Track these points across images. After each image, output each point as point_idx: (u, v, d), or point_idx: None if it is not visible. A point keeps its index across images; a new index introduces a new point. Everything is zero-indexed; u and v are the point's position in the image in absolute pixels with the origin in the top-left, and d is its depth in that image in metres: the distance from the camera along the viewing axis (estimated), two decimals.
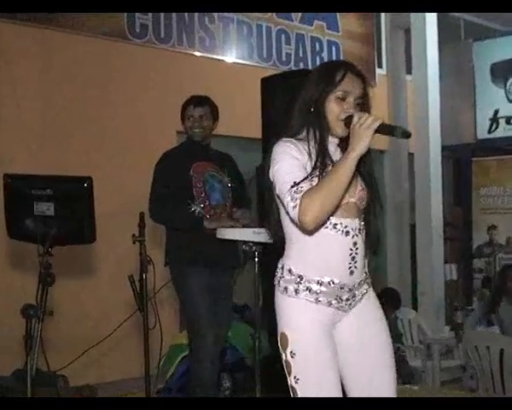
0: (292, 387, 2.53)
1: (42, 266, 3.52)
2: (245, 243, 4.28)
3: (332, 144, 2.55)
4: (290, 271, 2.53)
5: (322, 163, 2.47)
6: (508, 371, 5.10)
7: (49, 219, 3.56)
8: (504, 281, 6.45)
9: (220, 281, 4.50)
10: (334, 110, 2.51)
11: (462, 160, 9.87)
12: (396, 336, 6.53)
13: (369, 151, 2.47)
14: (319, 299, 2.51)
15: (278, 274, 2.57)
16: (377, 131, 2.38)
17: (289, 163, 2.46)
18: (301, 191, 2.38)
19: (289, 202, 2.40)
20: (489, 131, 9.43)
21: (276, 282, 2.58)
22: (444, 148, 8.40)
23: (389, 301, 6.42)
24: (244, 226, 4.44)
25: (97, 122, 6.53)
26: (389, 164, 9.36)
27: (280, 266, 2.57)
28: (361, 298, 2.62)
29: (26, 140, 6.10)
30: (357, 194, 2.54)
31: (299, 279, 2.51)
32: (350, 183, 2.44)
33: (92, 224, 3.64)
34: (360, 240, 2.54)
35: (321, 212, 2.37)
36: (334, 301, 2.53)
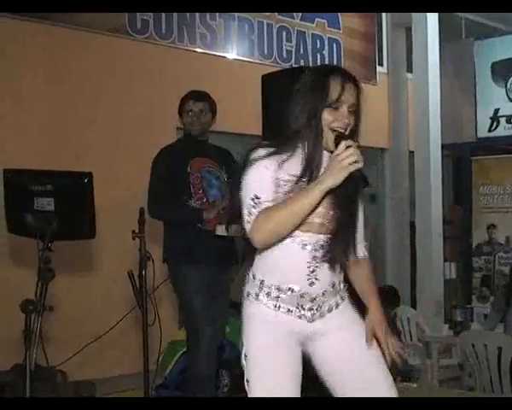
0: (247, 389, 2.54)
1: (41, 261, 3.53)
2: (244, 239, 4.28)
3: (325, 155, 2.48)
4: (254, 276, 2.55)
5: (310, 174, 2.43)
6: (505, 370, 5.10)
7: (49, 215, 3.57)
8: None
9: (218, 277, 4.51)
10: (327, 118, 2.46)
11: (463, 158, 9.86)
12: (395, 334, 6.52)
13: (359, 179, 2.38)
14: (278, 305, 2.51)
15: (246, 279, 2.60)
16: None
17: (259, 174, 2.43)
18: (259, 207, 2.39)
19: (245, 215, 2.43)
20: (489, 130, 9.42)
21: (243, 287, 2.61)
22: (444, 146, 8.40)
23: (388, 298, 6.42)
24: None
25: (98, 118, 6.53)
26: (389, 162, 9.36)
27: (247, 271, 2.60)
28: (330, 311, 2.59)
29: (27, 135, 6.11)
30: (326, 217, 2.51)
31: (260, 284, 2.52)
32: (319, 205, 2.41)
33: (92, 219, 3.65)
34: (322, 254, 2.51)
35: (271, 235, 2.39)
36: (294, 309, 2.52)
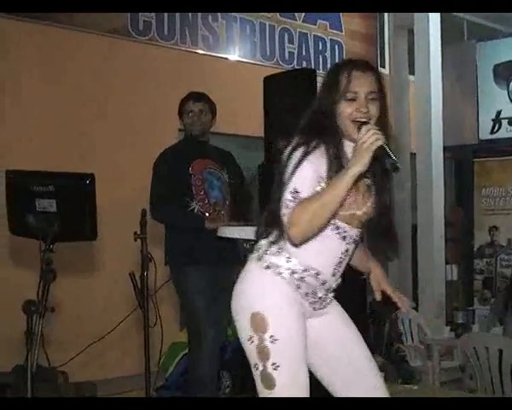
0: (267, 375, 2.41)
1: (43, 262, 3.53)
2: (246, 241, 4.30)
3: (349, 147, 2.50)
4: (280, 249, 2.47)
5: (338, 167, 2.43)
6: (506, 372, 5.10)
7: (50, 216, 3.56)
8: None
9: (220, 279, 4.51)
10: (346, 111, 2.47)
11: (464, 160, 9.86)
12: (396, 335, 6.53)
13: (386, 169, 2.43)
14: (300, 287, 2.48)
15: (262, 249, 2.51)
16: (375, 152, 2.35)
17: (304, 169, 2.41)
18: (297, 201, 2.36)
19: (282, 208, 2.40)
20: (491, 132, 9.42)
21: (254, 257, 2.52)
22: (446, 148, 8.40)
23: (389, 300, 6.41)
24: (245, 224, 4.45)
25: (100, 119, 6.54)
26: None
27: (267, 242, 2.51)
28: (329, 303, 2.63)
29: (28, 137, 6.12)
30: (364, 209, 2.54)
31: (286, 259, 2.46)
32: (361, 196, 2.48)
33: (94, 221, 3.64)
34: (351, 248, 2.56)
35: (309, 228, 2.36)
36: (310, 295, 2.51)
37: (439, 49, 8.20)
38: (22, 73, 6.16)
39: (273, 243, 2.49)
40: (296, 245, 2.43)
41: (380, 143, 2.34)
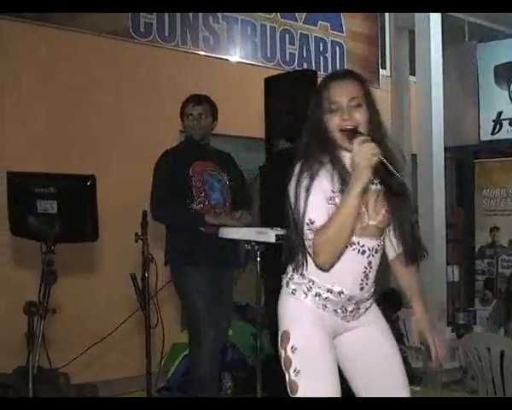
0: (291, 381, 2.51)
1: (44, 263, 3.53)
2: (247, 242, 4.29)
3: (347, 159, 2.51)
4: (302, 275, 2.55)
5: (342, 181, 2.46)
6: (508, 373, 5.10)
7: (52, 217, 3.57)
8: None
9: (221, 280, 4.51)
10: (333, 123, 2.50)
11: (465, 161, 9.84)
12: (398, 336, 6.53)
13: (391, 174, 2.42)
14: (326, 306, 2.54)
15: (288, 275, 2.60)
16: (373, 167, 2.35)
17: (313, 196, 2.44)
18: (314, 229, 2.41)
19: (306, 241, 2.46)
20: (492, 133, 9.40)
21: (284, 283, 2.62)
22: (447, 149, 8.38)
23: (391, 302, 6.42)
24: (246, 226, 4.45)
25: (101, 120, 6.54)
26: None
27: (291, 268, 2.59)
28: (364, 311, 2.66)
29: (30, 138, 6.12)
30: (379, 218, 2.56)
31: (310, 284, 2.54)
32: (371, 205, 2.51)
33: (95, 222, 3.65)
34: (376, 259, 2.59)
35: (333, 251, 2.41)
36: (339, 311, 2.57)
37: (440, 50, 8.19)
38: (23, 75, 6.16)
39: (295, 269, 2.58)
40: (327, 270, 2.49)
41: (375, 158, 2.34)
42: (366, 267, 2.55)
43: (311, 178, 2.45)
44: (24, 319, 3.47)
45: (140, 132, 6.74)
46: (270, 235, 4.00)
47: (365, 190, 2.43)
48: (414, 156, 8.55)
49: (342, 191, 2.44)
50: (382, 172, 2.42)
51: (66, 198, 3.62)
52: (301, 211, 2.45)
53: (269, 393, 4.63)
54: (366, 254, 2.54)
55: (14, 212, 3.72)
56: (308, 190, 2.45)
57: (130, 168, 6.48)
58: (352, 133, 2.44)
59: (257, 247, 4.26)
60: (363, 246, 2.53)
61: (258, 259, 4.31)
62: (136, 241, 4.36)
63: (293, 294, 2.56)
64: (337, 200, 2.44)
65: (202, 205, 4.47)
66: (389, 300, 6.38)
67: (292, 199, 2.49)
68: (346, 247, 2.48)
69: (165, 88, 6.86)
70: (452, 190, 10.22)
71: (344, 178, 2.46)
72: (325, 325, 2.54)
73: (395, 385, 2.66)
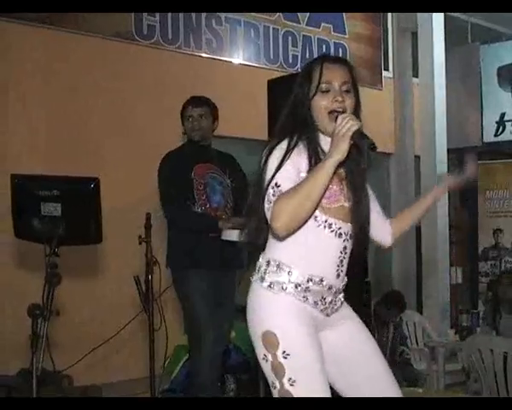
0: (285, 392, 2.39)
1: (48, 266, 3.55)
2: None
3: (327, 143, 2.47)
4: (279, 265, 2.44)
5: (315, 163, 2.42)
6: (511, 375, 5.10)
7: (55, 220, 3.59)
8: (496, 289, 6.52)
9: (222, 282, 4.51)
10: (322, 103, 2.48)
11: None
12: (401, 338, 6.54)
13: (358, 161, 2.46)
14: (307, 298, 2.44)
15: (261, 269, 2.47)
16: (351, 137, 2.34)
17: (283, 167, 2.40)
18: (278, 193, 2.34)
19: (265, 204, 2.39)
20: (495, 135, 9.41)
21: (257, 278, 2.49)
22: (450, 151, 8.40)
23: (394, 303, 6.42)
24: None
25: (104, 123, 6.55)
26: (395, 167, 9.35)
27: (264, 260, 2.48)
28: (340, 305, 2.59)
29: (34, 140, 6.13)
30: (351, 196, 2.53)
31: (288, 275, 2.42)
32: (346, 186, 2.48)
33: (99, 224, 3.67)
34: (349, 245, 2.52)
35: (292, 218, 2.31)
36: (319, 302, 2.47)
37: (443, 51, 8.21)
38: (25, 76, 6.17)
39: (268, 262, 2.47)
40: (280, 239, 2.40)
41: (355, 127, 2.33)
42: (341, 252, 2.48)
43: (285, 153, 2.41)
44: (28, 322, 3.48)
45: (143, 134, 6.75)
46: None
47: (342, 172, 2.44)
48: (417, 158, 8.57)
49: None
50: (358, 141, 2.38)
51: (70, 201, 3.64)
52: (269, 177, 2.39)
53: (271, 394, 4.63)
54: (342, 238, 2.48)
55: (17, 214, 3.74)
56: (280, 161, 2.40)
57: (134, 170, 6.49)
58: (338, 114, 2.42)
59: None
60: (340, 228, 2.47)
61: None
62: (140, 243, 4.38)
63: (271, 288, 2.43)
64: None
65: (204, 207, 4.48)
66: (393, 301, 6.38)
67: (262, 169, 2.44)
68: (324, 227, 2.43)
69: (167, 90, 6.87)
70: (455, 192, 10.22)
71: (317, 161, 2.42)
72: (308, 320, 2.44)
73: (386, 382, 2.59)
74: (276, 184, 2.36)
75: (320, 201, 2.37)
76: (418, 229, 8.54)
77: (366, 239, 2.61)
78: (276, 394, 2.44)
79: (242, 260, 4.65)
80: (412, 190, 9.17)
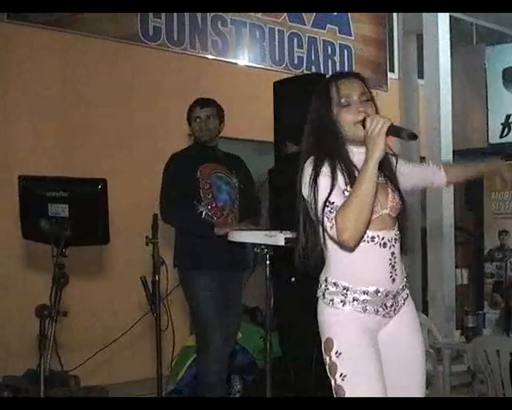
0: (338, 387, 2.51)
1: (56, 266, 3.56)
2: (256, 245, 4.30)
3: (358, 154, 2.56)
4: (335, 283, 2.55)
5: (351, 178, 2.50)
6: None
7: (63, 221, 3.59)
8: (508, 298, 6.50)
9: (229, 283, 4.51)
10: (347, 118, 2.55)
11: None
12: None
13: (387, 159, 2.56)
14: (366, 308, 2.54)
15: (322, 287, 2.59)
16: (387, 134, 2.42)
17: (322, 182, 2.48)
18: (335, 209, 2.41)
19: (326, 223, 2.45)
20: (501, 136, 9.40)
21: (320, 294, 2.61)
22: (455, 152, 8.39)
23: None
24: (255, 229, 4.46)
25: (111, 124, 6.57)
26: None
27: (323, 278, 2.60)
28: (403, 302, 2.66)
29: (41, 142, 6.15)
30: (389, 204, 2.59)
31: (344, 291, 2.54)
32: (380, 194, 2.53)
33: (106, 225, 3.67)
34: (397, 249, 2.59)
35: (357, 227, 2.40)
36: (380, 309, 2.57)
37: (448, 53, 8.20)
38: (32, 79, 6.19)
39: (326, 280, 2.59)
40: (351, 249, 2.49)
41: (388, 123, 2.41)
42: (391, 259, 2.56)
43: (325, 170, 2.49)
44: (35, 322, 3.49)
45: (150, 135, 6.76)
46: (279, 238, 4.00)
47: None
48: (422, 159, 8.56)
49: (351, 185, 2.47)
50: (396, 134, 2.47)
51: (78, 202, 3.64)
52: (319, 197, 2.47)
53: (278, 395, 4.64)
54: (388, 246, 2.55)
55: (25, 215, 3.74)
56: (323, 178, 2.48)
57: (141, 172, 6.50)
58: (365, 119, 2.50)
59: (266, 250, 4.27)
60: (383, 239, 2.54)
61: (268, 262, 4.33)
62: (147, 244, 4.38)
63: (332, 304, 2.56)
64: (347, 192, 2.47)
65: (210, 207, 4.48)
66: None
67: (306, 191, 2.51)
68: (368, 241, 2.51)
69: (173, 91, 6.89)
70: (461, 194, 10.21)
71: (352, 173, 2.51)
72: (367, 328, 2.55)
73: (410, 385, 2.65)
74: (329, 202, 2.44)
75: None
76: (424, 230, 8.54)
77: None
78: (333, 390, 2.55)
79: (249, 262, 4.66)
80: (417, 192, 9.16)
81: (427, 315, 7.82)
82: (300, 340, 5.06)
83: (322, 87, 2.64)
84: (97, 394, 5.60)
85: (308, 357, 4.86)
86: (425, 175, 2.92)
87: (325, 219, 2.44)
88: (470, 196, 10.13)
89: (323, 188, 2.47)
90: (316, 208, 2.48)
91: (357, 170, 2.51)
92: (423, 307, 8.54)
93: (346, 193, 2.47)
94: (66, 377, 5.09)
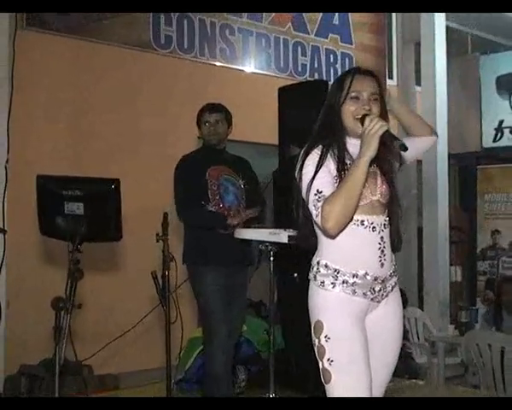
0: (324, 370, 2.52)
1: (71, 261, 3.56)
2: (261, 242, 4.32)
3: (354, 146, 2.57)
4: (326, 265, 2.56)
5: (342, 165, 2.53)
6: (508, 368, 5.10)
7: (78, 218, 3.60)
8: (500, 294, 6.51)
9: (235, 279, 4.52)
10: (350, 109, 2.58)
11: (468, 167, 9.84)
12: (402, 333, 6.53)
13: (389, 151, 2.57)
14: (355, 291, 2.55)
15: (314, 269, 2.60)
16: (381, 138, 2.43)
17: (315, 170, 2.51)
18: (323, 199, 2.44)
19: (313, 210, 2.48)
20: (494, 141, 9.40)
21: (311, 276, 2.62)
22: (450, 156, 8.39)
23: None
24: (260, 227, 4.47)
25: (124, 127, 6.57)
26: (398, 171, 9.33)
27: (315, 261, 2.61)
28: (391, 289, 2.66)
29: (56, 144, 6.16)
30: (379, 190, 2.60)
31: (335, 273, 2.54)
32: (371, 182, 2.54)
33: (119, 223, 3.68)
34: (386, 234, 2.60)
35: (341, 217, 2.42)
36: (368, 293, 2.57)
37: (445, 61, 8.21)
38: (48, 84, 6.20)
39: (318, 262, 2.60)
40: (333, 237, 2.51)
41: (385, 128, 2.43)
42: (380, 243, 2.57)
43: (319, 158, 2.52)
44: (51, 314, 3.50)
45: (160, 138, 6.77)
46: (282, 236, 4.02)
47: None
48: (419, 162, 8.56)
49: (341, 172, 2.51)
50: (389, 142, 2.48)
51: (92, 200, 3.65)
52: (309, 184, 2.49)
53: (280, 385, 4.65)
54: (377, 231, 2.56)
55: (43, 213, 3.75)
56: (316, 167, 2.51)
57: (152, 173, 6.51)
58: (364, 116, 2.51)
59: (270, 247, 4.29)
60: (372, 223, 2.55)
61: (272, 258, 4.34)
62: (158, 241, 4.39)
63: (322, 285, 2.56)
64: (336, 179, 2.50)
65: (217, 207, 4.50)
66: None
67: (299, 175, 2.55)
68: (357, 225, 2.52)
69: (183, 96, 6.89)
70: (455, 195, 10.22)
71: (343, 160, 2.54)
72: (356, 311, 2.55)
73: (379, 376, 2.63)
74: (318, 190, 2.47)
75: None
76: (420, 229, 8.54)
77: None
78: (320, 372, 2.56)
79: (254, 258, 4.67)
80: (414, 193, 9.16)
81: (422, 310, 7.83)
82: (302, 333, 5.07)
83: (339, 78, 2.68)
84: (109, 382, 5.65)
85: (309, 349, 4.87)
86: (415, 145, 2.86)
87: (312, 207, 2.47)
88: (464, 197, 10.14)
89: (316, 176, 2.49)
90: (306, 194, 2.50)
91: (351, 161, 2.53)
92: (419, 303, 8.54)
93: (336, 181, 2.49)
94: (79, 366, 5.13)
